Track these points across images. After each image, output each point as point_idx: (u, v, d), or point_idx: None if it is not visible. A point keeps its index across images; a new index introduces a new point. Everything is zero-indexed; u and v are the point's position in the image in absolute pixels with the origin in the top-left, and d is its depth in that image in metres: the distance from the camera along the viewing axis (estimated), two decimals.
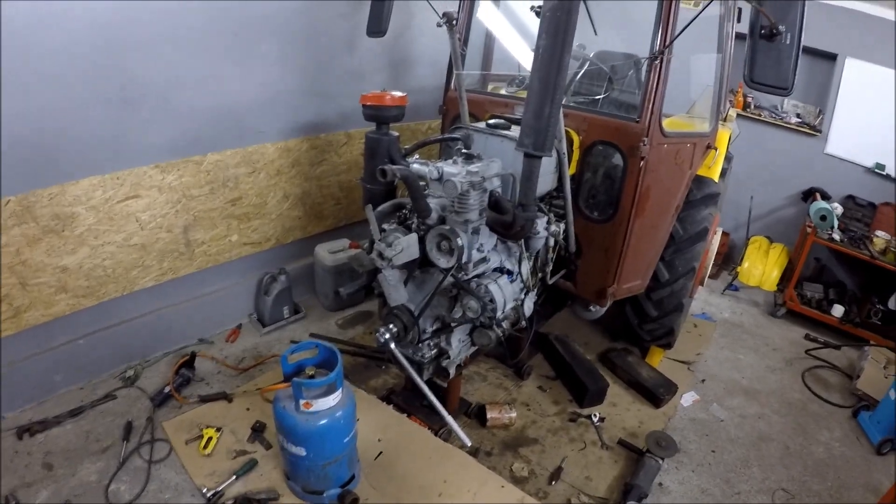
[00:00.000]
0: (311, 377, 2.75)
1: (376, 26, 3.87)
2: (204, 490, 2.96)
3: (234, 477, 3.02)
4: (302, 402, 2.68)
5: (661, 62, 3.16)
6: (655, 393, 4.06)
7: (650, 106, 3.21)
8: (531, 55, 2.18)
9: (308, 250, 4.75)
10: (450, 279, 2.86)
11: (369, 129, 4.00)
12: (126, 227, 3.67)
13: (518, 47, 4.00)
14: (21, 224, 3.24)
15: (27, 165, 3.17)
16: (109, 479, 3.07)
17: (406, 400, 3.60)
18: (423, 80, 4.65)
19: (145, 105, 3.53)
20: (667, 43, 3.11)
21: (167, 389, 3.62)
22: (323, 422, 2.70)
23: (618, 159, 3.37)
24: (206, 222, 4.06)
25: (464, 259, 2.77)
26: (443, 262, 2.82)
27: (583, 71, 3.99)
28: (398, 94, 3.98)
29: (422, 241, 2.84)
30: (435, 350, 3.09)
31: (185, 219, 3.94)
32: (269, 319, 4.41)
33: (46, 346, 3.59)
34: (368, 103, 3.93)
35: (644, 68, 3.36)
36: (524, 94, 3.78)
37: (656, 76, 3.18)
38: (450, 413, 2.83)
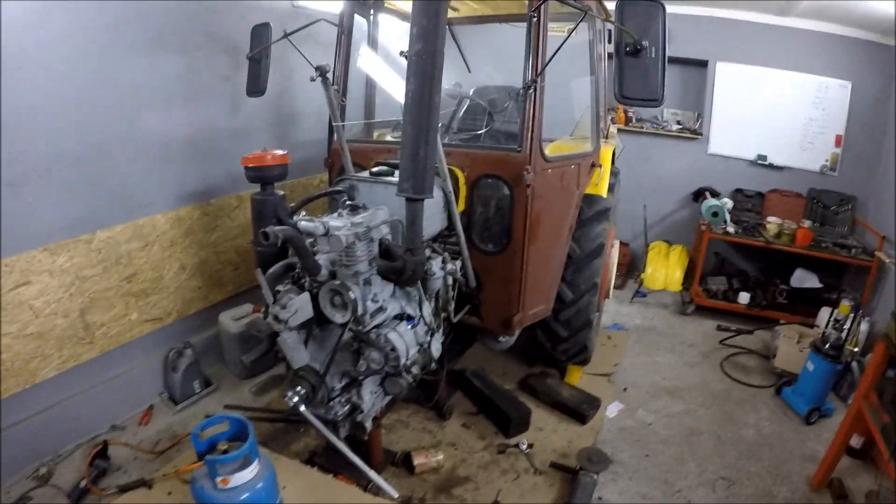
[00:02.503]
0: (225, 452, 2.63)
1: (255, 86, 3.88)
2: None
3: None
4: (219, 479, 2.57)
5: (535, 90, 3.26)
6: (579, 410, 4.14)
7: (529, 134, 3.31)
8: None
9: (212, 320, 4.66)
10: (348, 333, 2.86)
11: (256, 191, 3.99)
12: (20, 316, 3.49)
13: (397, 92, 4.07)
14: None
15: None
16: None
17: (329, 460, 3.52)
18: (308, 133, 4.68)
19: (27, 186, 3.40)
20: (538, 71, 3.23)
21: (83, 484, 3.45)
22: (244, 496, 2.60)
23: (505, 190, 3.45)
24: (102, 303, 3.91)
25: (359, 311, 2.78)
26: (338, 317, 2.82)
27: (463, 109, 4.11)
28: (279, 152, 3.99)
29: (315, 298, 2.83)
30: (348, 406, 3.04)
31: (81, 301, 3.79)
32: (181, 396, 4.28)
33: None
34: (250, 164, 3.92)
35: (519, 98, 3.49)
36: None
37: (532, 104, 3.29)
38: (375, 465, 2.82)
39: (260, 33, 3.81)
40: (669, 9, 2.95)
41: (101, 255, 3.85)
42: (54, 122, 3.45)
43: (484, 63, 4.20)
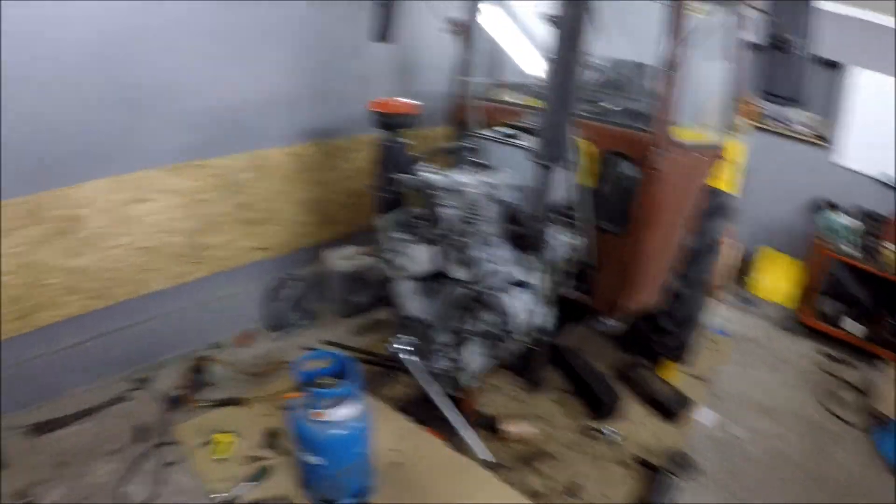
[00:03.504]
0: (326, 386, 2.71)
1: (380, 32, 3.84)
2: (215, 495, 2.94)
3: (247, 483, 2.99)
4: (317, 411, 2.65)
5: (672, 72, 3.14)
6: (670, 408, 4.02)
7: (662, 116, 3.19)
8: (537, 61, 2.18)
9: (318, 256, 4.73)
10: (464, 291, 2.82)
11: (379, 136, 3.99)
12: (134, 230, 3.66)
13: (525, 54, 3.98)
14: (29, 226, 3.24)
15: (35, 168, 3.18)
16: (121, 481, 3.06)
17: (421, 411, 3.52)
18: (431, 85, 4.63)
19: (153, 109, 3.53)
20: (677, 52, 3.10)
21: (179, 393, 3.61)
22: (338, 431, 2.67)
23: (631, 170, 3.34)
24: (215, 227, 4.04)
25: (477, 270, 2.74)
26: (456, 273, 2.79)
27: (594, 80, 3.98)
28: (409, 101, 3.97)
29: (436, 251, 2.81)
30: (450, 361, 3.03)
31: (194, 223, 3.93)
32: (280, 325, 4.38)
33: (58, 346, 3.57)
34: (378, 110, 3.91)
35: (655, 77, 3.35)
36: (533, 102, 3.78)
37: (668, 86, 3.16)
38: (467, 425, 2.79)
39: None
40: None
41: (218, 180, 3.96)
42: (181, 50, 3.55)
43: (615, 35, 4.05)
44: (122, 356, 3.84)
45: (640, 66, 4.08)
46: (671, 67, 3.12)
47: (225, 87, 3.84)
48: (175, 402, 3.57)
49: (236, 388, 3.76)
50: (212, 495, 2.94)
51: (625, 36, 4.41)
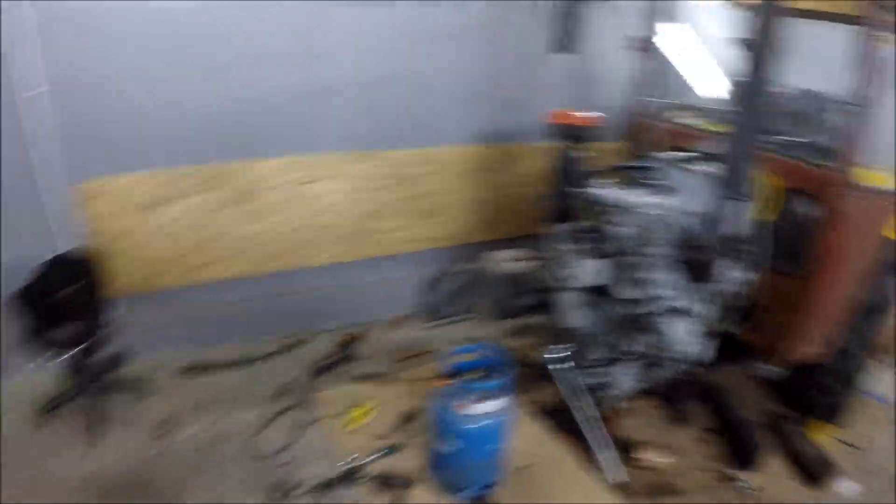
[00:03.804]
0: (477, 379, 2.76)
1: (564, 43, 3.85)
2: (342, 462, 3.06)
3: (374, 456, 3.10)
4: (462, 402, 2.70)
5: (863, 107, 2.94)
6: (812, 471, 3.72)
7: (849, 154, 3.00)
8: (720, 85, 2.13)
9: (480, 255, 4.79)
10: (626, 310, 2.78)
11: (556, 145, 4.01)
12: (310, 206, 3.96)
13: (705, 75, 3.86)
14: (212, 190, 3.64)
15: (222, 138, 3.58)
16: (255, 431, 3.28)
17: (561, 421, 3.49)
18: (608, 99, 4.60)
19: (336, 97, 3.80)
20: (868, 85, 2.89)
21: (327, 362, 3.81)
22: (478, 425, 2.71)
23: (811, 209, 3.17)
24: (384, 213, 4.25)
25: (642, 291, 2.70)
26: (622, 293, 2.76)
27: (778, 109, 3.80)
28: (591, 113, 3.96)
29: (603, 266, 2.78)
30: (599, 379, 3.01)
31: (364, 207, 4.15)
32: (435, 315, 4.51)
33: (221, 300, 3.94)
34: (557, 120, 3.93)
35: (842, 111, 3.15)
36: (714, 127, 3.66)
37: (857, 122, 2.96)
38: (603, 444, 2.74)
39: None
40: None
41: (392, 171, 4.16)
42: (369, 44, 3.81)
43: (795, 62, 3.85)
44: (279, 320, 4.13)
45: (825, 98, 3.86)
46: (860, 102, 2.93)
47: (407, 83, 4.04)
48: (320, 370, 3.77)
49: (381, 366, 3.90)
50: (339, 462, 3.07)
51: (808, 64, 4.22)
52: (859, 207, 3.13)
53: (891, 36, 3.12)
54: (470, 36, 4.18)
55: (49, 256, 3.03)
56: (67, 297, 2.98)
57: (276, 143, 3.75)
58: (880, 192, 3.33)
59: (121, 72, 3.26)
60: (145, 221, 3.57)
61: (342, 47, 3.72)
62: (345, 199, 4.06)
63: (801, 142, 3.67)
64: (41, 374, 3.48)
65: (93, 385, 3.34)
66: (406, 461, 3.14)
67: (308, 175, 3.88)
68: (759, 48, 2.09)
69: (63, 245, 3.32)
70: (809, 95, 3.92)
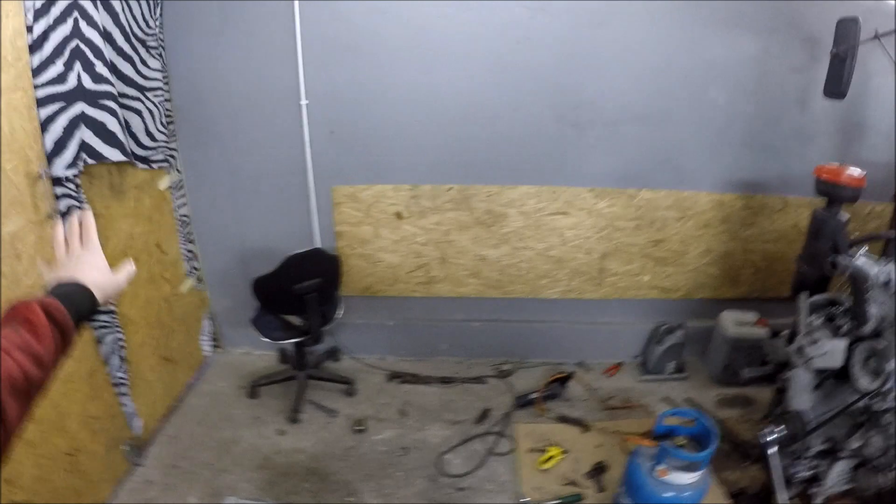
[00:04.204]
0: (681, 446, 2.56)
1: (836, 87, 3.32)
2: (524, 499, 2.98)
3: (556, 501, 2.97)
4: (661, 467, 2.53)
5: None
6: None
7: None
8: None
9: (711, 311, 4.40)
10: (862, 402, 2.38)
11: (815, 203, 3.51)
12: (549, 238, 3.95)
13: None
14: (458, 209, 3.79)
15: (475, 162, 3.72)
16: (448, 448, 3.33)
17: None
18: (874, 152, 3.91)
19: (592, 130, 3.73)
20: None
21: (533, 395, 3.74)
22: (671, 494, 2.52)
23: None
24: (623, 255, 4.09)
25: (888, 385, 2.30)
26: (864, 381, 2.39)
27: None
28: (857, 172, 3.39)
29: (850, 349, 2.42)
30: (810, 471, 2.64)
31: (606, 246, 4.04)
32: (652, 368, 4.22)
33: (444, 316, 4.10)
34: (824, 177, 3.42)
35: None
36: None
37: None
38: None
39: (847, 28, 3.19)
40: None
41: (639, 212, 3.99)
42: (626, 80, 3.65)
43: None
44: (495, 344, 4.19)
45: None
46: None
47: (666, 121, 3.83)
48: (526, 402, 3.72)
49: (587, 411, 3.76)
50: (522, 499, 2.99)
51: None
52: None
53: None
54: (736, 73, 3.85)
55: (301, 250, 3.36)
56: (305, 289, 3.30)
57: (528, 171, 3.80)
58: None
59: (387, 93, 3.59)
60: (389, 231, 3.87)
61: (601, 80, 3.65)
62: (586, 235, 3.99)
63: None
64: (263, 352, 3.95)
65: (305, 372, 3.69)
66: None
67: (553, 206, 3.88)
68: None
69: (316, 240, 3.77)
70: None
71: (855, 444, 2.47)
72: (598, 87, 3.65)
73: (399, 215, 3.81)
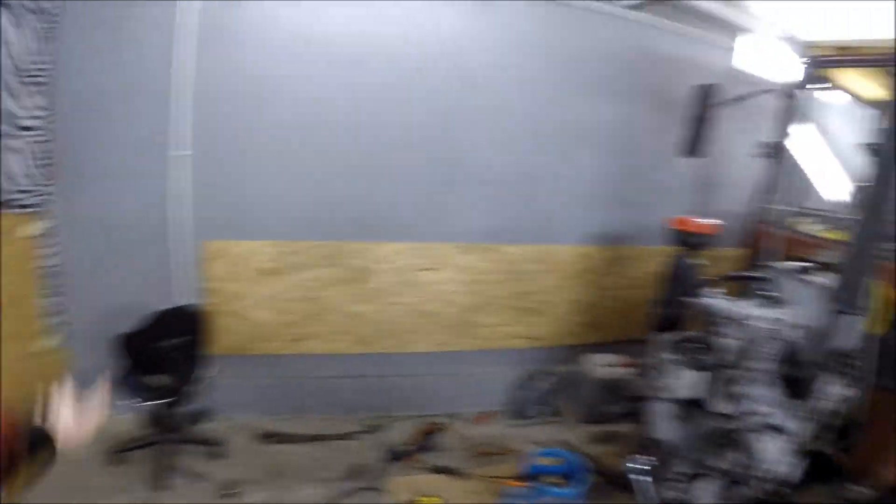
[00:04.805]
0: (552, 485, 2.69)
1: (691, 147, 3.79)
2: None
3: None
4: None
5: None
6: None
7: None
8: (841, 189, 2.01)
9: (577, 358, 4.63)
10: (717, 425, 2.62)
11: (670, 251, 3.91)
12: (417, 293, 4.04)
13: (830, 180, 3.67)
14: (328, 266, 3.81)
15: (344, 220, 3.79)
16: None
17: None
18: (730, 204, 4.46)
19: (463, 188, 3.94)
20: None
21: (404, 448, 3.72)
22: None
23: None
24: (491, 307, 4.25)
25: (741, 408, 2.55)
26: (719, 406, 2.61)
27: None
28: (708, 220, 3.84)
29: (702, 379, 2.67)
30: (680, 493, 2.78)
31: (474, 300, 4.18)
32: (522, 414, 4.34)
33: (313, 374, 4.03)
34: (676, 227, 3.84)
35: None
36: (834, 236, 3.44)
37: None
38: None
39: (702, 93, 3.70)
40: None
41: (504, 266, 4.19)
42: (497, 141, 3.96)
43: None
44: (365, 400, 4.14)
45: None
46: None
47: (531, 180, 4.12)
48: (397, 456, 3.69)
49: (458, 460, 3.76)
50: None
51: None
52: None
53: None
54: (601, 135, 4.25)
55: (163, 307, 3.24)
56: (169, 348, 3.16)
57: (399, 228, 3.91)
58: None
59: (260, 149, 3.60)
60: (259, 288, 3.78)
61: (473, 140, 3.89)
62: (455, 290, 4.11)
63: None
64: (125, 415, 3.70)
65: (171, 435, 3.46)
66: None
67: (423, 262, 3.98)
68: (885, 152, 1.98)
69: (179, 298, 3.59)
70: None
71: (718, 463, 2.65)
72: (471, 148, 3.88)
73: (271, 271, 3.76)
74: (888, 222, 2.00)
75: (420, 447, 3.77)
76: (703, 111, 3.71)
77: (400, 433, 3.97)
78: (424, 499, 3.25)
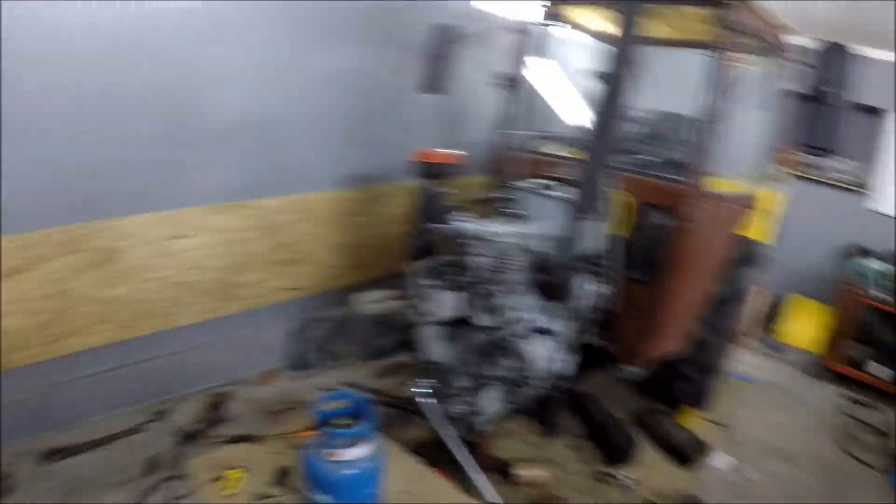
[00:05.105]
0: (342, 427, 2.73)
1: (432, 84, 3.94)
2: None
3: None
4: (330, 451, 2.66)
5: (712, 123, 3.14)
6: (686, 453, 3.98)
7: (697, 167, 3.19)
8: (578, 113, 2.23)
9: (346, 299, 4.78)
10: (487, 337, 2.85)
11: (418, 184, 4.04)
12: (172, 264, 3.77)
13: (566, 106, 4.03)
14: (70, 253, 3.36)
15: (79, 198, 3.30)
16: None
17: (435, 454, 3.50)
18: (474, 135, 4.69)
19: (201, 147, 3.67)
20: (716, 105, 3.12)
21: (196, 427, 3.65)
22: (350, 472, 2.68)
23: (663, 220, 3.35)
24: (249, 266, 4.14)
25: (502, 318, 2.78)
26: (481, 320, 2.84)
27: (637, 132, 4.01)
28: (451, 151, 4.03)
29: (462, 298, 2.83)
30: (467, 406, 3.04)
31: (230, 261, 4.03)
32: (303, 365, 4.42)
33: (81, 373, 3.64)
34: (420, 159, 3.99)
35: (693, 129, 3.35)
36: (573, 154, 3.82)
37: (706, 137, 3.17)
38: (478, 469, 2.79)
39: (441, 32, 3.85)
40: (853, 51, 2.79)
41: (257, 221, 4.08)
42: (234, 93, 3.71)
43: (651, 86, 4.10)
44: (143, 388, 3.89)
45: (680, 118, 4.10)
46: (709, 119, 3.13)
47: (274, 129, 3.97)
48: (190, 437, 3.61)
49: (252, 425, 3.79)
50: None
51: (668, 88, 4.46)
52: (706, 215, 3.34)
53: (740, 58, 3.36)
54: (343, 80, 4.20)
55: None
56: None
57: (142, 200, 3.53)
58: (726, 198, 3.57)
59: None
60: (3, 293, 3.23)
61: (208, 90, 3.58)
62: (210, 254, 3.92)
63: (658, 160, 3.89)
64: None
65: None
66: None
67: (174, 231, 3.70)
68: (612, 79, 2.17)
69: None
70: (669, 117, 4.16)
71: (492, 371, 2.91)
72: (208, 103, 3.59)
73: (13, 271, 3.21)
74: (616, 138, 2.22)
75: (211, 422, 3.73)
76: (442, 50, 3.84)
77: (188, 413, 3.86)
78: (230, 472, 3.26)
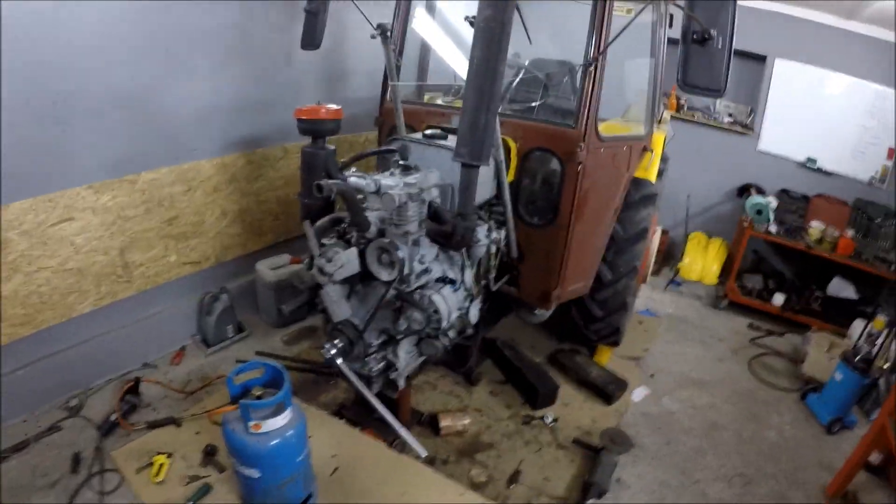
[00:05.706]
0: (259, 398, 2.70)
1: (310, 39, 3.86)
2: None
3: (190, 502, 2.95)
4: (251, 423, 2.63)
5: (596, 68, 3.21)
6: (606, 390, 4.15)
7: (586, 111, 3.25)
8: (466, 65, 2.23)
9: (249, 267, 4.69)
10: (392, 292, 2.87)
11: (305, 144, 3.98)
12: (60, 251, 3.55)
13: (453, 56, 4.05)
14: None
15: None
16: None
17: (357, 414, 3.58)
18: (359, 91, 4.65)
19: (78, 123, 3.43)
20: (601, 49, 3.18)
21: (113, 417, 3.53)
22: (274, 442, 2.67)
23: (555, 165, 3.41)
24: (142, 243, 3.97)
25: (405, 271, 2.79)
26: (384, 275, 2.83)
27: (518, 79, 4.07)
28: (333, 106, 3.98)
29: (362, 254, 2.84)
30: (382, 363, 3.06)
31: (122, 240, 3.84)
32: (213, 340, 4.33)
33: None
34: (303, 117, 3.92)
35: (579, 74, 3.43)
36: (460, 104, 3.85)
37: (591, 82, 3.23)
38: (402, 424, 2.82)
39: None
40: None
41: (145, 196, 3.90)
42: (108, 63, 3.48)
43: (541, 35, 4.14)
44: (54, 384, 3.71)
45: (566, 65, 4.17)
46: (594, 64, 3.20)
47: (154, 97, 3.77)
48: (110, 428, 3.50)
49: (171, 407, 3.71)
50: None
51: (551, 36, 4.53)
52: (595, 158, 3.42)
53: (622, 4, 3.44)
54: (220, 40, 4.01)
55: None
56: None
57: (16, 186, 3.26)
58: (615, 141, 3.68)
59: None
60: None
61: (80, 61, 3.34)
62: (100, 235, 3.72)
63: (546, 106, 3.96)
64: None
65: None
66: (220, 498, 3.03)
67: (56, 215, 3.47)
68: (485, 25, 2.16)
69: None
70: (555, 64, 4.22)
71: (403, 325, 2.92)
72: (77, 77, 3.35)
73: None
74: (498, 85, 2.24)
75: (128, 409, 3.62)
76: (316, 5, 3.76)
77: (103, 403, 3.74)
78: (156, 458, 3.20)
